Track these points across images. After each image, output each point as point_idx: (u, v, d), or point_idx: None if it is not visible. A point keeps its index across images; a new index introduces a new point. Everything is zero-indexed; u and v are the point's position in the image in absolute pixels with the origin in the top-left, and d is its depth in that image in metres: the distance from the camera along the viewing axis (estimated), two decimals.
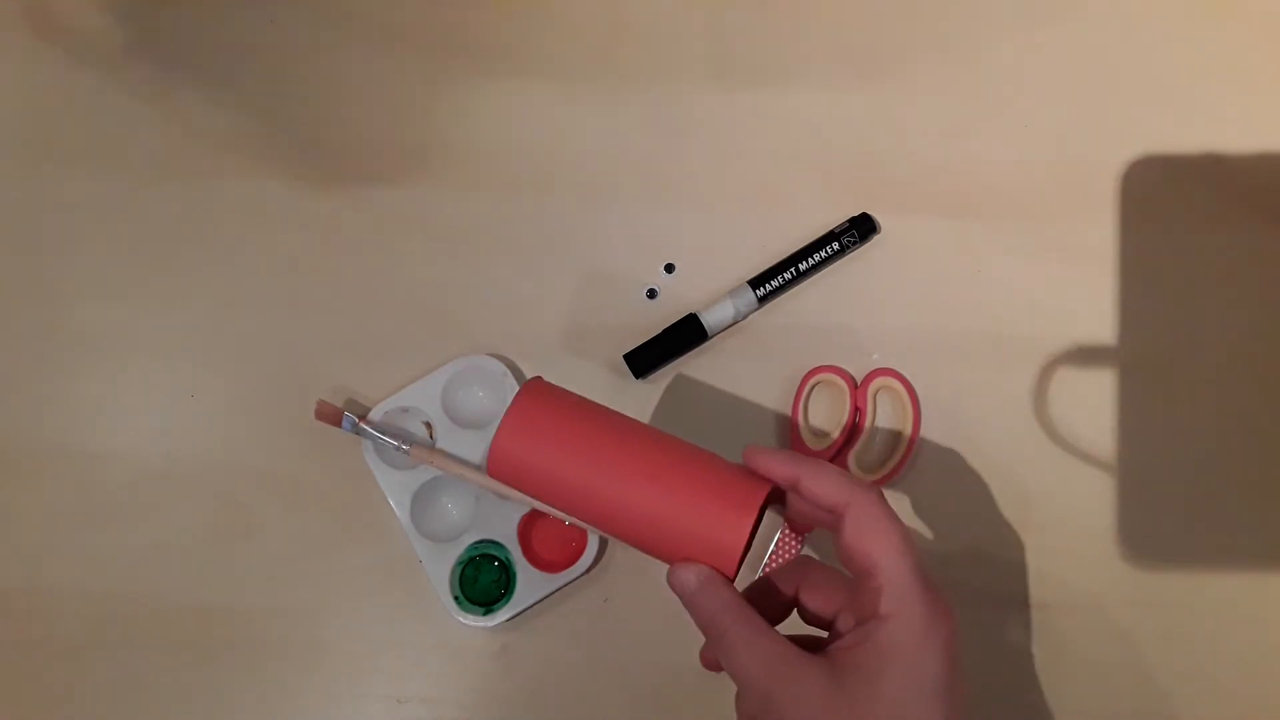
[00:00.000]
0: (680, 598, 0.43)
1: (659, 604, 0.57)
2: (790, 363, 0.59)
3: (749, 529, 0.42)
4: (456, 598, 0.56)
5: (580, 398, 0.48)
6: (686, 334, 0.58)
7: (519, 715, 0.57)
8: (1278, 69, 0.60)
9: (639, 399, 0.59)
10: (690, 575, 0.42)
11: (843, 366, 0.58)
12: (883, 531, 0.40)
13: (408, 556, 0.57)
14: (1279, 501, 0.57)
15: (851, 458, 0.57)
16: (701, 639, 0.45)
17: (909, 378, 0.58)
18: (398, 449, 0.56)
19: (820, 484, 0.42)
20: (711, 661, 0.45)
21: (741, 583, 0.45)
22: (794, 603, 0.45)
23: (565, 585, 0.57)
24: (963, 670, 0.40)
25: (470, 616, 0.56)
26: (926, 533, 0.57)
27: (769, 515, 0.56)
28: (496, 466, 0.45)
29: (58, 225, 0.61)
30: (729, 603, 0.42)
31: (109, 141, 0.61)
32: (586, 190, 0.60)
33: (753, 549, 0.58)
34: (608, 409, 0.47)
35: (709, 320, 0.58)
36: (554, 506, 0.46)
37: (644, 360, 0.58)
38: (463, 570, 0.57)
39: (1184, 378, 0.58)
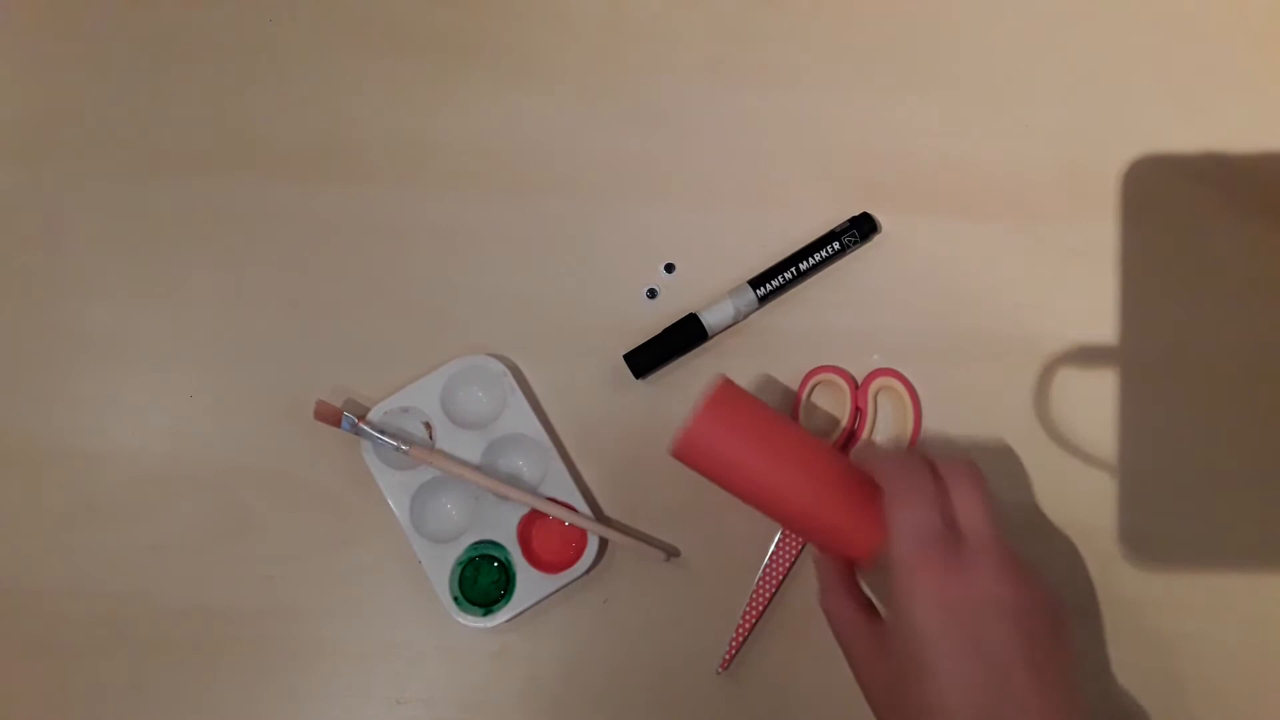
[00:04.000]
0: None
1: (659, 605, 0.57)
2: (791, 363, 0.59)
3: (880, 543, 0.48)
4: (456, 598, 0.56)
5: (763, 405, 0.53)
6: (686, 334, 0.58)
7: (518, 716, 0.57)
8: (1277, 69, 0.60)
9: (639, 399, 0.59)
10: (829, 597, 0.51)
11: (843, 367, 0.58)
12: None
13: (407, 557, 0.57)
14: (1279, 501, 0.57)
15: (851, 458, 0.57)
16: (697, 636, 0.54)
17: (910, 378, 0.58)
18: (397, 449, 0.56)
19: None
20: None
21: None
22: None
23: (565, 586, 0.57)
24: None
25: (470, 617, 0.56)
26: None
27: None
28: (690, 444, 0.51)
29: (59, 225, 0.61)
30: (835, 578, 0.51)
31: (109, 141, 0.61)
32: (586, 190, 0.60)
33: (754, 551, 0.58)
34: (783, 417, 0.53)
35: (709, 320, 0.58)
36: (729, 490, 0.52)
37: (644, 360, 0.58)
38: (462, 571, 0.57)
39: (1185, 378, 0.58)
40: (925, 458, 0.49)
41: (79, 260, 0.60)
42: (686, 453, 0.51)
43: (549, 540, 0.58)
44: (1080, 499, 0.57)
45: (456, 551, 0.57)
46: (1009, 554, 0.46)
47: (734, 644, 0.56)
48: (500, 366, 0.58)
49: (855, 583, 0.50)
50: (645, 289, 0.60)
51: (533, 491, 0.57)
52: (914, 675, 0.44)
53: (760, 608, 0.56)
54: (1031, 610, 0.44)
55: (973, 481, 0.48)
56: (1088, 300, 0.58)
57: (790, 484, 0.50)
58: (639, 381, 0.59)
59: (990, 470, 0.57)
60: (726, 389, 0.52)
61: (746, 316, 0.59)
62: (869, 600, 0.50)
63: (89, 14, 0.62)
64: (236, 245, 0.60)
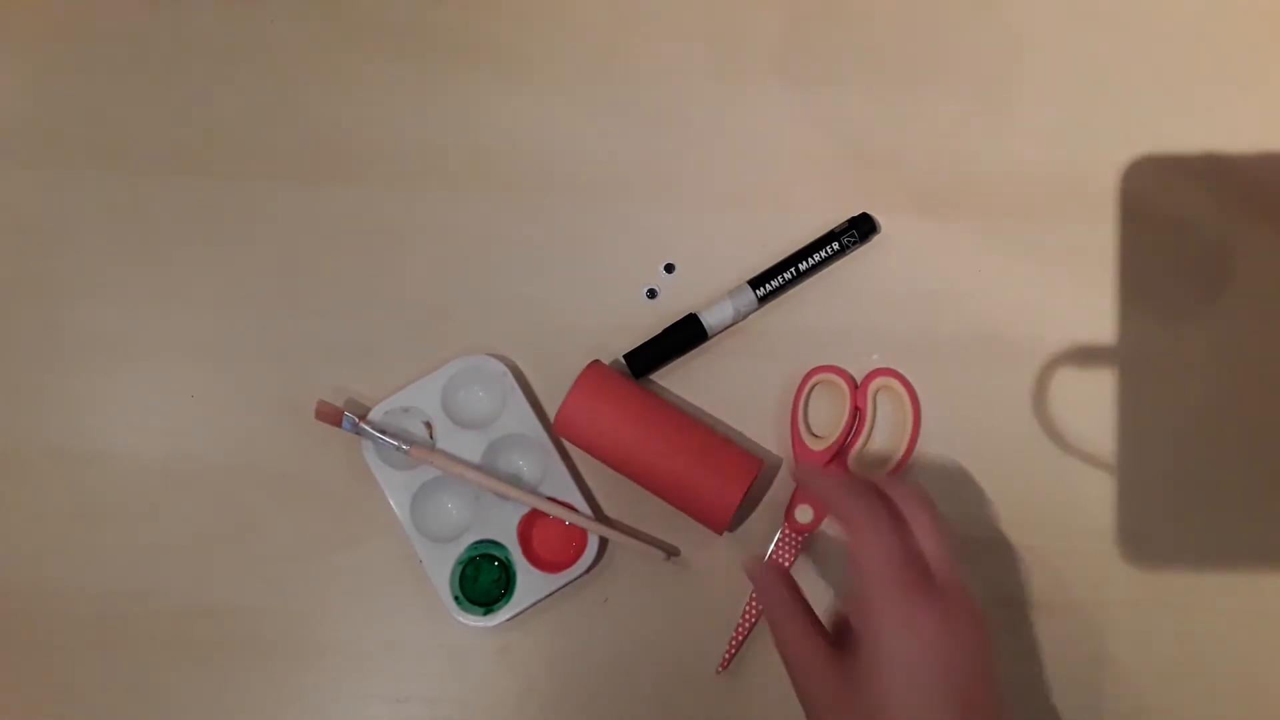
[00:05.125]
0: (753, 583, 0.51)
1: (659, 604, 0.57)
2: (790, 363, 0.59)
3: (738, 500, 0.54)
4: (456, 598, 0.56)
5: (631, 384, 0.57)
6: (686, 334, 0.58)
7: (519, 715, 0.57)
8: (1277, 69, 0.60)
9: None
10: (761, 571, 0.50)
11: (843, 366, 0.58)
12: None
13: (408, 556, 0.57)
14: (1279, 501, 0.57)
15: (852, 458, 0.57)
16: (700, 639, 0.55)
17: (909, 378, 0.58)
18: (398, 449, 0.56)
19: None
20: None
21: None
22: None
23: (565, 585, 0.57)
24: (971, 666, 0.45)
25: (470, 617, 0.56)
26: None
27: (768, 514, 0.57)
28: (567, 418, 0.55)
29: (58, 225, 0.61)
30: (786, 599, 0.49)
31: (109, 141, 0.61)
32: (586, 190, 0.60)
33: (753, 550, 0.58)
34: (649, 394, 0.57)
35: (709, 320, 0.58)
36: (599, 458, 0.57)
37: (644, 360, 0.58)
38: (463, 570, 0.57)
39: (1184, 378, 0.58)
40: (869, 481, 0.49)
41: (79, 260, 0.60)
42: (563, 427, 0.56)
43: (549, 540, 0.58)
44: (1079, 499, 0.57)
45: (457, 551, 0.57)
46: (969, 591, 0.46)
47: (733, 644, 0.56)
48: (500, 366, 0.58)
49: (814, 618, 0.48)
50: (645, 289, 0.60)
51: (533, 491, 0.57)
52: (887, 704, 0.43)
53: (760, 608, 0.57)
54: (986, 650, 0.45)
55: (930, 513, 0.47)
56: (1087, 300, 0.59)
57: (654, 452, 0.55)
58: (639, 381, 0.59)
59: (989, 470, 0.58)
60: (595, 370, 0.56)
61: (746, 316, 0.59)
62: (827, 634, 0.48)
63: (90, 14, 0.62)
64: (236, 245, 0.60)
